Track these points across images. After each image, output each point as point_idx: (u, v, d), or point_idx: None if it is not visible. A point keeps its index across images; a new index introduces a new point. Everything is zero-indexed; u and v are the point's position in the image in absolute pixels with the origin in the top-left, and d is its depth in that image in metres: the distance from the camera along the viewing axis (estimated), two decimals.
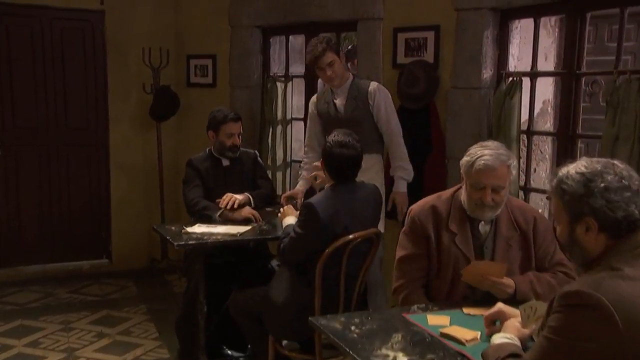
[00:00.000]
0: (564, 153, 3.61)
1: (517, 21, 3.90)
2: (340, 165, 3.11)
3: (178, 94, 5.47)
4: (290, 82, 5.09)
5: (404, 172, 3.75)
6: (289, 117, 5.12)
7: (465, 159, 2.54)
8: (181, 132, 5.68)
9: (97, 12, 5.27)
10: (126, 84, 5.44)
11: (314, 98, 4.05)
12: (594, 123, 5.72)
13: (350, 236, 3.07)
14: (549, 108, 4.02)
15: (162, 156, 5.50)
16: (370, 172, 3.70)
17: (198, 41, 5.49)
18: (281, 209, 3.47)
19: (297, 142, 5.20)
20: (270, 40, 5.26)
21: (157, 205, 5.54)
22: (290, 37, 5.17)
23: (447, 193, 2.71)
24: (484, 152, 2.48)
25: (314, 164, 3.66)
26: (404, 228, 2.73)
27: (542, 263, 2.56)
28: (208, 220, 3.66)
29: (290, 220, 3.30)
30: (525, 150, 3.87)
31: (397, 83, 4.23)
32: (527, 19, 3.84)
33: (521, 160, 3.83)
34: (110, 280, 5.35)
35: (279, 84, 5.10)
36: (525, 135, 3.85)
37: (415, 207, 2.70)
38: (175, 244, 3.23)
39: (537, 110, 3.90)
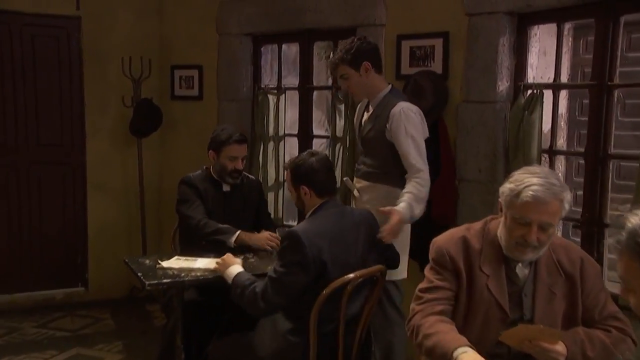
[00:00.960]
0: (592, 176, 3.17)
1: (535, 27, 3.47)
2: (320, 176, 2.76)
3: (161, 108, 5.03)
4: (284, 95, 4.66)
5: (413, 199, 3.10)
6: (281, 133, 4.68)
7: (508, 186, 2.09)
8: (164, 149, 5.24)
9: (72, 18, 4.83)
10: (104, 97, 5.00)
11: (359, 105, 3.52)
12: (626, 140, 5.29)
13: (351, 275, 2.62)
14: (562, 123, 3.58)
15: (143, 176, 5.05)
16: (377, 203, 3.19)
17: (183, 50, 5.06)
18: (220, 261, 2.89)
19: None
20: (262, 49, 4.83)
21: (138, 229, 5.08)
22: (284, 45, 4.74)
23: (476, 226, 2.26)
24: (532, 181, 2.02)
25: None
26: (428, 265, 2.28)
27: (590, 314, 2.12)
28: (220, 246, 3.23)
29: (236, 269, 2.80)
30: None
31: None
32: (546, 25, 3.42)
33: None
34: (84, 311, 4.87)
35: (270, 97, 4.67)
36: (547, 155, 3.42)
37: (440, 238, 2.25)
38: (147, 282, 2.77)
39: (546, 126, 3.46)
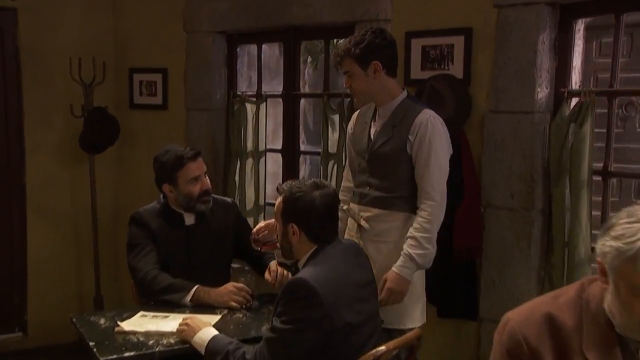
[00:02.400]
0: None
1: (579, 21, 2.88)
2: (320, 219, 2.13)
3: (118, 118, 4.28)
4: (264, 104, 3.96)
5: (416, 247, 2.50)
6: (262, 147, 3.98)
7: (612, 244, 1.42)
8: (122, 168, 4.48)
9: (6, 11, 4.03)
10: (48, 105, 4.21)
11: (356, 112, 2.89)
12: (627, 154, 4.81)
13: (383, 347, 1.95)
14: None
15: (96, 199, 4.27)
16: (392, 234, 2.61)
17: (144, 51, 4.32)
18: (184, 324, 2.24)
19: (272, 180, 4.05)
20: (238, 49, 4.13)
21: (90, 262, 4.29)
22: (264, 45, 4.06)
23: (568, 294, 1.59)
24: None
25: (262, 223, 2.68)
26: (494, 348, 1.61)
27: None
28: (169, 307, 2.50)
29: (208, 333, 2.15)
30: (602, 198, 2.82)
31: None
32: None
33: (592, 212, 2.79)
34: None
35: (249, 106, 3.97)
36: (600, 178, 2.81)
37: (515, 317, 1.58)
38: (102, 359, 2.02)
39: None
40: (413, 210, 2.59)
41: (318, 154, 3.76)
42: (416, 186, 2.58)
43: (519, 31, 2.87)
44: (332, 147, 3.66)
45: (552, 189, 2.85)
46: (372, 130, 2.68)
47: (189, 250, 2.75)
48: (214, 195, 2.85)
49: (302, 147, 3.97)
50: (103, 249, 4.33)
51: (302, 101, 3.98)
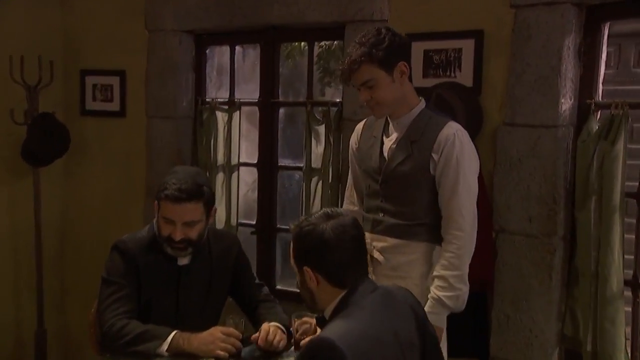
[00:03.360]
0: None
1: (607, 25, 2.58)
2: (337, 255, 1.70)
3: (67, 126, 3.76)
4: (238, 112, 3.52)
5: (446, 289, 2.16)
6: (234, 161, 3.54)
7: None
8: (72, 182, 3.96)
9: None
10: None
11: (361, 123, 2.49)
12: None
13: None
14: None
15: (40, 217, 3.72)
16: (411, 268, 2.24)
17: (98, 50, 3.82)
18: None
19: (248, 197, 3.62)
20: (207, 51, 3.68)
21: (32, 291, 3.73)
22: (238, 47, 3.63)
23: None
24: None
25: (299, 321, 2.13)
26: None
27: None
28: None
29: None
30: (637, 222, 2.51)
31: None
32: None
33: (625, 239, 2.47)
34: None
35: (220, 114, 3.53)
36: (635, 201, 2.51)
37: None
38: None
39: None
40: (436, 240, 2.22)
41: (299, 169, 3.35)
42: (439, 212, 2.21)
43: (541, 35, 2.55)
44: (316, 162, 3.26)
45: (577, 213, 2.54)
46: (386, 147, 2.29)
47: (179, 294, 2.27)
48: (214, 228, 2.39)
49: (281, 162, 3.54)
50: (48, 275, 3.79)
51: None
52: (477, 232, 2.62)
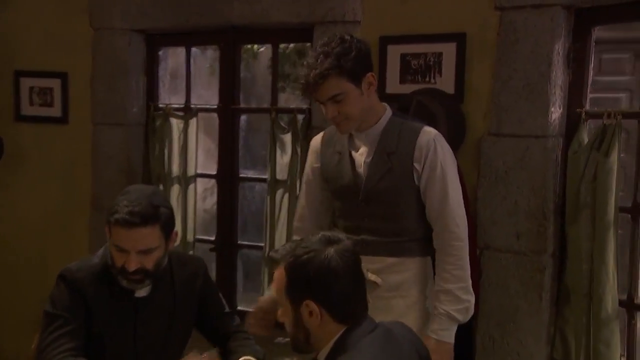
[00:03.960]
0: None
1: (593, 30, 2.45)
2: (345, 285, 1.48)
3: (0, 133, 3.37)
4: (195, 119, 3.24)
5: (453, 302, 2.00)
6: (191, 172, 3.25)
7: None
8: (6, 195, 3.56)
9: None
10: None
11: (317, 139, 2.25)
12: None
13: None
14: None
15: None
16: (409, 286, 2.07)
17: (36, 50, 3.46)
18: None
19: (206, 210, 3.33)
20: (160, 52, 3.38)
21: None
22: (194, 49, 3.35)
23: None
24: None
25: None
26: None
27: None
28: None
29: None
30: (630, 242, 2.37)
31: None
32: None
33: (619, 259, 2.33)
34: None
35: (174, 122, 3.24)
36: (629, 216, 2.37)
37: None
38: None
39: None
40: (428, 252, 2.07)
41: (263, 180, 3.10)
42: (427, 223, 2.05)
43: (529, 38, 2.40)
44: (281, 173, 3.02)
45: (568, 228, 2.39)
46: (358, 162, 2.08)
47: (137, 329, 1.96)
48: (177, 252, 2.10)
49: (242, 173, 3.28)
50: None
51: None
52: None
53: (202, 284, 2.12)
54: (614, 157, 2.26)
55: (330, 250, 1.46)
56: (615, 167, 2.26)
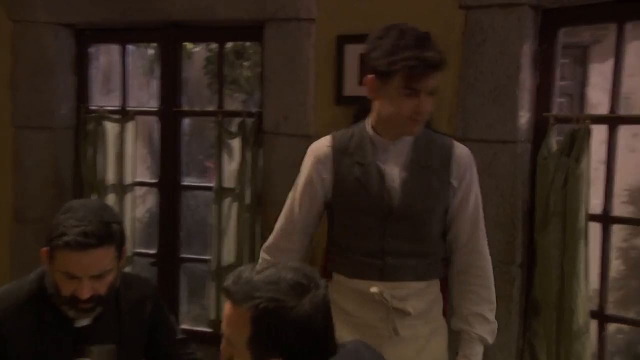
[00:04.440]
0: None
1: (559, 32, 2.37)
2: (322, 341, 1.28)
3: None
4: (132, 122, 2.97)
5: (483, 325, 1.87)
6: (128, 180, 2.98)
7: None
8: None
9: None
10: None
11: (324, 146, 1.91)
12: None
13: None
14: None
15: None
16: (434, 312, 1.93)
17: None
18: None
19: (139, 220, 3.07)
20: (92, 49, 3.09)
21: None
22: (130, 46, 3.08)
23: None
24: None
25: None
26: None
27: None
28: None
29: None
30: (600, 250, 2.30)
31: None
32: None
33: (590, 268, 2.26)
34: None
35: (109, 125, 2.97)
36: (600, 225, 2.30)
37: None
38: None
39: None
40: (438, 275, 1.92)
41: (209, 189, 2.87)
42: (444, 240, 1.91)
43: (496, 40, 2.29)
44: (228, 181, 2.80)
45: (537, 237, 2.30)
46: (392, 177, 1.83)
47: None
48: (123, 272, 1.85)
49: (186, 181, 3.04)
50: None
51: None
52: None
53: (153, 308, 1.90)
54: (585, 162, 2.18)
55: (305, 303, 1.23)
56: (585, 173, 2.18)
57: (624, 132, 2.30)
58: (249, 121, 2.77)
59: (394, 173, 1.83)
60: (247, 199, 2.74)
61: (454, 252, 1.90)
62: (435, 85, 1.76)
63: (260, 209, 2.74)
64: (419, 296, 1.86)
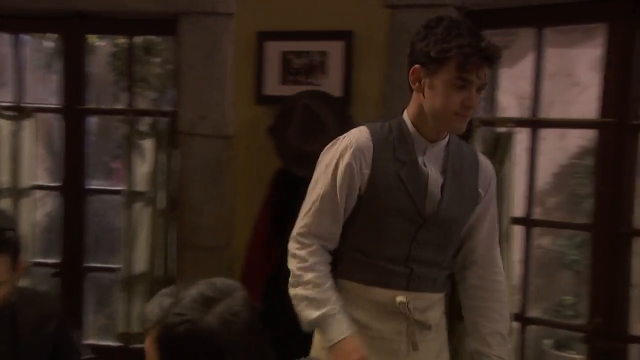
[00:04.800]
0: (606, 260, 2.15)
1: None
2: (230, 349, 1.10)
3: None
4: (30, 120, 2.71)
5: (502, 345, 1.76)
6: (24, 183, 2.71)
7: None
8: None
9: None
10: None
11: (364, 137, 1.70)
12: None
13: None
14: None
15: None
16: (443, 324, 1.84)
17: None
18: None
19: (42, 228, 2.82)
20: None
21: None
22: (26, 36, 2.81)
23: None
24: None
25: None
26: None
27: None
28: None
29: None
30: (523, 254, 2.31)
31: (277, 132, 2.33)
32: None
33: (513, 271, 2.27)
34: None
35: (3, 123, 2.69)
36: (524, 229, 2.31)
37: None
38: None
39: None
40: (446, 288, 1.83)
41: (117, 193, 2.67)
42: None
43: None
44: (138, 184, 2.62)
45: None
46: (434, 179, 1.70)
47: None
48: (24, 287, 1.65)
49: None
50: None
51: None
52: None
53: (56, 328, 1.71)
54: (509, 165, 2.18)
55: (209, 317, 1.09)
56: (509, 177, 2.19)
57: (527, 135, 2.31)
58: (163, 121, 2.60)
59: (437, 176, 1.70)
60: (161, 203, 2.57)
61: (469, 267, 1.79)
62: (486, 81, 1.64)
63: (175, 214, 2.58)
64: (436, 309, 1.77)
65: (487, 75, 1.61)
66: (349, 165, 1.66)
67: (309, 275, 1.66)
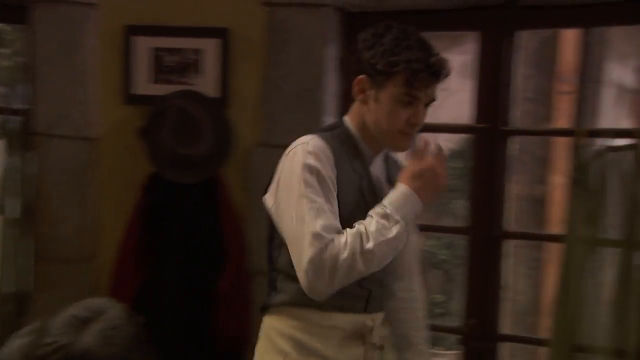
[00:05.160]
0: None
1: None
2: None
3: None
4: None
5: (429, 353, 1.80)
6: None
7: None
8: None
9: None
10: None
11: (322, 144, 1.53)
12: None
13: None
14: None
15: None
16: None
17: None
18: None
19: None
20: None
21: None
22: None
23: None
24: None
25: None
26: None
27: None
28: None
29: None
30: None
31: (149, 134, 2.16)
32: None
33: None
34: None
35: None
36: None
37: None
38: None
39: None
40: None
41: None
42: None
43: (301, 40, 2.19)
44: None
45: None
46: (381, 192, 1.59)
47: None
48: None
49: None
50: None
51: None
52: (232, 277, 2.19)
53: None
54: None
55: (86, 337, 0.95)
56: None
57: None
58: (14, 120, 2.33)
59: (386, 189, 1.58)
60: (14, 212, 2.31)
61: (398, 280, 1.69)
62: (434, 97, 1.57)
63: (31, 224, 2.32)
64: (382, 327, 1.65)
65: (435, 90, 1.57)
66: (324, 176, 1.50)
67: (358, 239, 1.45)
